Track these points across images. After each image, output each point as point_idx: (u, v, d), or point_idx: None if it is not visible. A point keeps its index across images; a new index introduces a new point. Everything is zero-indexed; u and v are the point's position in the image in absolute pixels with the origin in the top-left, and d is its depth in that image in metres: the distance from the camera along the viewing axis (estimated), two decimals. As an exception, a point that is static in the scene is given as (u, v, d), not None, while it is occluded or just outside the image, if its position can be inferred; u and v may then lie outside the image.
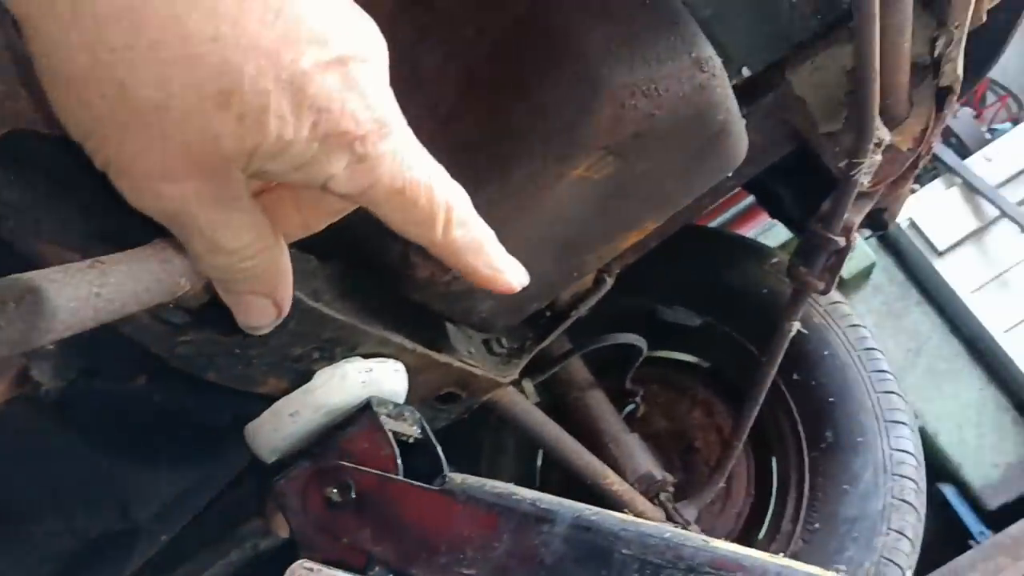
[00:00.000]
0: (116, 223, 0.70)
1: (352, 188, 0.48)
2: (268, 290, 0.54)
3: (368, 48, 0.48)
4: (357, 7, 0.49)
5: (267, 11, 0.43)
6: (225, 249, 0.50)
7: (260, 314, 0.55)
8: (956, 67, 1.27)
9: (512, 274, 0.59)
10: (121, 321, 0.73)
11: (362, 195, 0.49)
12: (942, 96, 1.31)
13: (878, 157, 1.28)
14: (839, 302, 1.68)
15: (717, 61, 0.84)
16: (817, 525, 1.54)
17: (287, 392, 0.86)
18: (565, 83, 0.80)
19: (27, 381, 0.72)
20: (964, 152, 3.30)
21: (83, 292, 0.54)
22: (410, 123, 0.84)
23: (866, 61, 1.11)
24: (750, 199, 3.33)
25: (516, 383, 1.50)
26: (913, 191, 3.32)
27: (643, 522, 0.79)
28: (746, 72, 1.37)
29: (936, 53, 1.29)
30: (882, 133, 1.25)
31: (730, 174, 1.05)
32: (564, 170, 0.83)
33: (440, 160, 0.85)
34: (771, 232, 3.24)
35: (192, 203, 0.46)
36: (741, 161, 0.98)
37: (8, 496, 0.98)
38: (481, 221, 0.56)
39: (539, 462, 1.87)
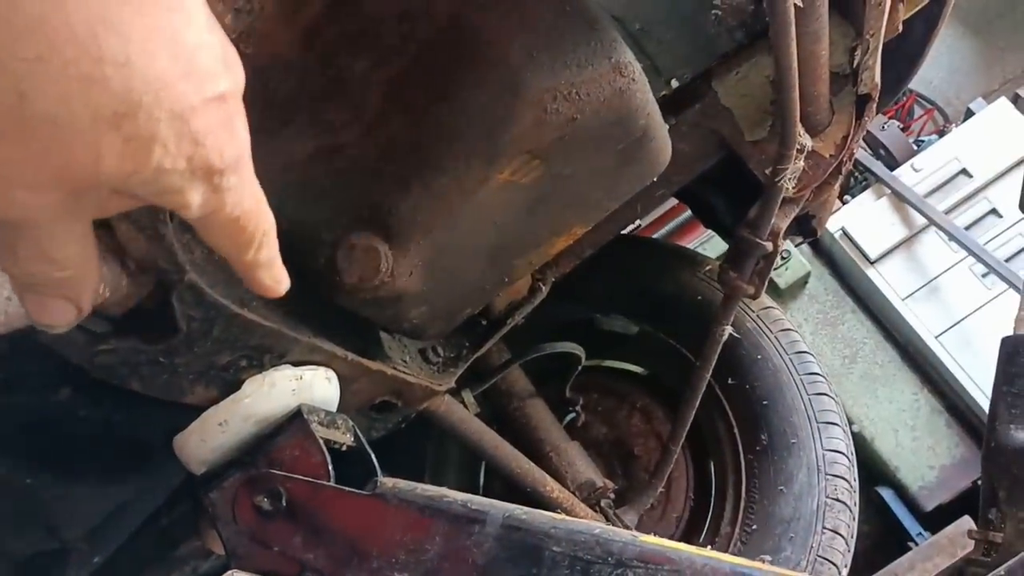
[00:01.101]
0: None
1: (200, 214, 0.49)
2: (74, 296, 0.53)
3: (240, 82, 0.49)
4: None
5: (173, 42, 0.44)
6: (48, 259, 0.48)
7: (60, 315, 0.53)
8: (874, 75, 1.32)
9: (284, 285, 0.61)
10: (38, 329, 0.72)
11: (202, 220, 0.50)
12: (862, 104, 1.36)
13: (801, 163, 1.32)
14: (771, 307, 1.71)
15: (637, 66, 0.86)
16: (755, 526, 1.57)
17: (216, 402, 0.85)
18: (488, 88, 0.82)
19: (-59, 393, 0.70)
20: (893, 163, 3.39)
21: (-6, 296, 0.53)
22: (335, 128, 0.85)
23: (785, 69, 1.14)
24: (690, 212, 3.39)
25: (455, 393, 1.51)
26: (845, 202, 3.40)
27: (573, 520, 0.80)
28: (674, 84, 1.41)
29: (855, 63, 1.34)
30: (804, 140, 1.29)
31: (656, 180, 1.07)
32: (489, 174, 0.84)
33: (366, 164, 0.86)
34: (711, 243, 3.30)
35: (43, 214, 0.45)
36: (665, 166, 1.00)
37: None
38: (276, 240, 0.58)
39: (482, 473, 1.87)
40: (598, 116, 0.84)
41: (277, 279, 0.60)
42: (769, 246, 1.37)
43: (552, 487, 1.47)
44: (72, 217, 0.47)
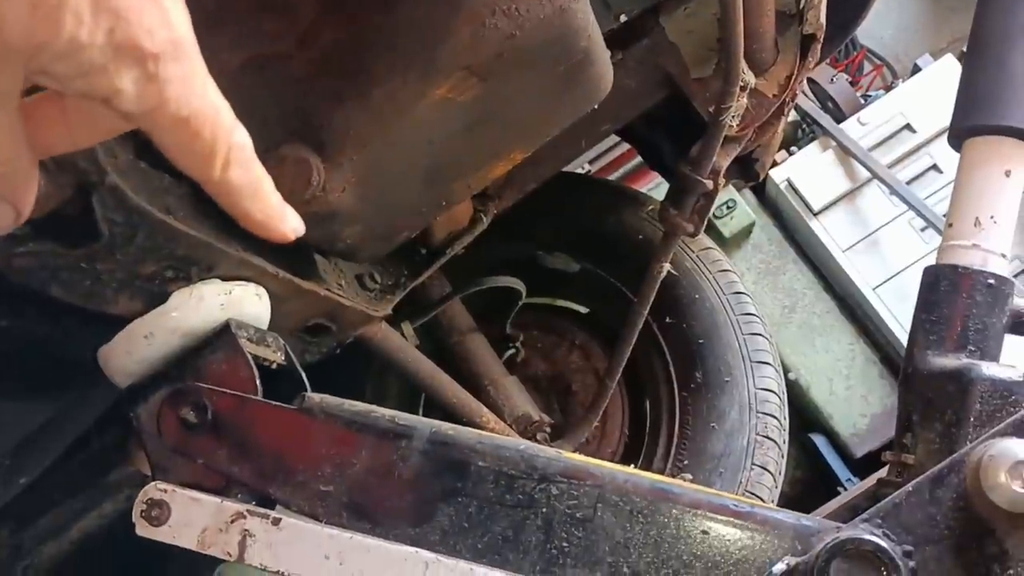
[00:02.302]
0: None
1: (137, 107, 0.45)
2: (9, 196, 0.50)
3: None
4: None
5: None
6: None
7: None
8: (819, 15, 1.32)
9: (286, 222, 0.58)
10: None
11: (145, 116, 0.47)
12: (807, 44, 1.36)
13: (744, 101, 1.32)
14: (710, 248, 1.73)
15: (579, -14, 0.85)
16: (686, 462, 1.60)
17: (141, 314, 0.83)
18: (426, 1, 0.80)
19: None
20: (840, 117, 3.42)
21: None
22: (267, 39, 0.83)
23: (730, 5, 1.14)
24: (639, 160, 3.39)
25: (395, 325, 1.51)
26: (791, 153, 3.43)
27: (499, 437, 0.80)
28: (623, 18, 1.40)
29: (801, 3, 1.34)
30: (748, 77, 1.29)
31: (601, 113, 1.07)
32: (426, 89, 0.83)
33: (299, 76, 0.84)
34: (660, 190, 3.31)
35: None
36: (606, 93, 1.00)
37: None
38: (260, 165, 0.54)
39: (421, 408, 1.88)
40: (537, 34, 0.83)
41: (270, 213, 0.57)
42: (710, 184, 1.37)
43: (488, 418, 1.48)
44: None
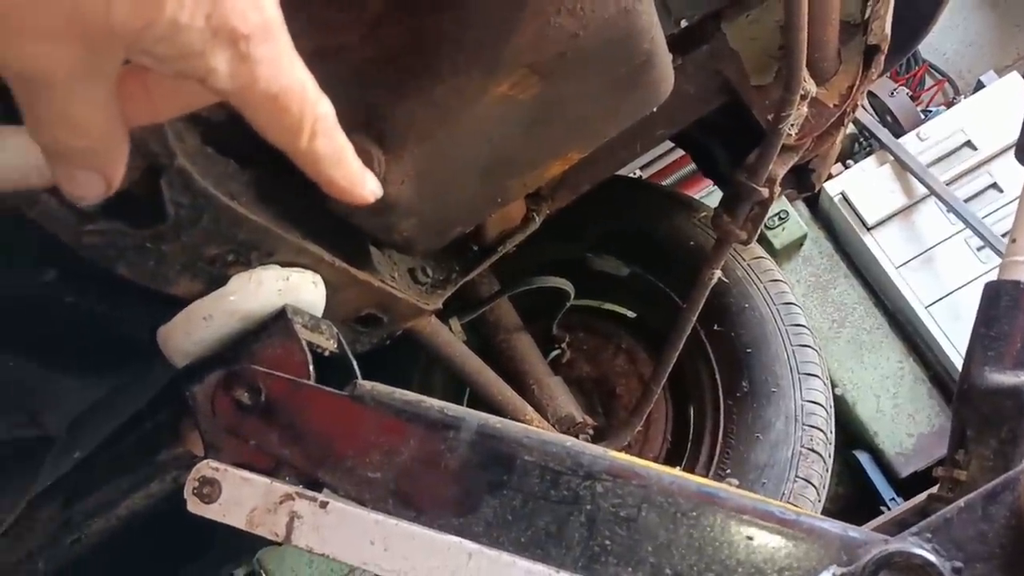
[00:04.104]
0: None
1: (229, 86, 0.48)
2: (101, 167, 0.52)
3: None
4: None
5: None
6: (71, 123, 0.48)
7: (87, 187, 0.53)
8: (884, 26, 1.31)
9: (367, 186, 0.60)
10: (28, 205, 0.72)
11: (237, 94, 0.49)
12: (870, 54, 1.35)
13: (804, 110, 1.31)
14: (762, 257, 1.72)
15: (645, -12, 0.85)
16: (729, 471, 1.59)
17: (201, 295, 0.85)
18: (492, -3, 0.81)
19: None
20: (899, 131, 3.37)
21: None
22: (334, 31, 0.84)
23: (795, 12, 1.13)
24: (693, 166, 3.38)
25: (443, 321, 1.52)
26: (847, 167, 3.39)
27: (545, 432, 0.81)
28: (683, 23, 1.40)
29: (866, 12, 1.33)
30: (809, 86, 1.28)
31: (657, 118, 1.07)
32: (488, 86, 0.84)
33: (364, 67, 0.86)
34: (712, 199, 3.29)
35: (58, 69, 0.44)
36: (666, 96, 1.00)
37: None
38: (342, 133, 0.56)
39: (465, 404, 1.89)
40: (601, 34, 0.83)
41: (353, 180, 0.59)
42: (765, 192, 1.36)
43: (532, 417, 1.49)
44: (90, 77, 0.46)
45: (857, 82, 1.34)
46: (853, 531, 0.70)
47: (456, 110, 0.85)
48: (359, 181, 0.59)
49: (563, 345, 1.80)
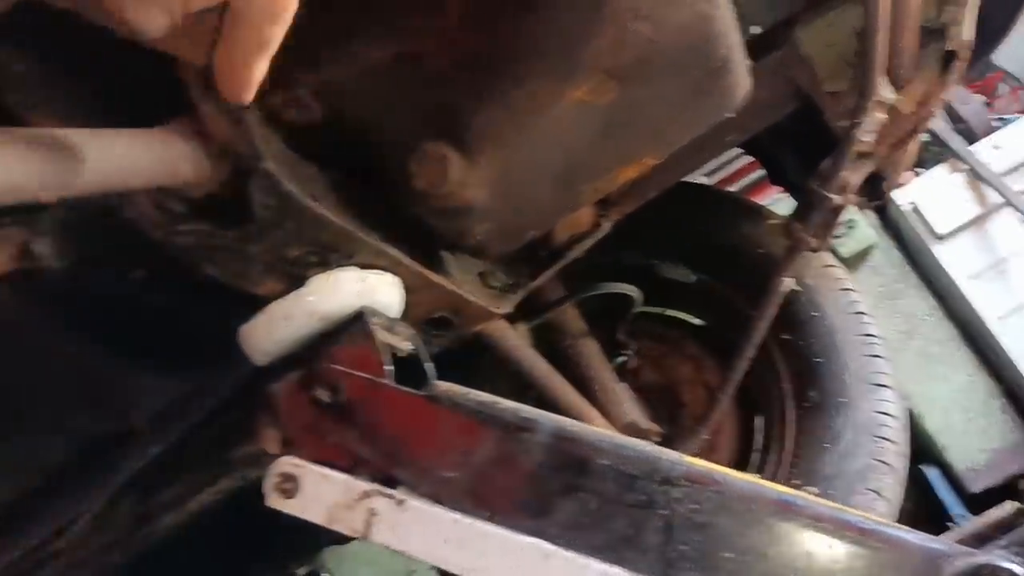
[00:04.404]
0: (123, 106, 0.72)
1: None
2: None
3: None
4: None
5: None
6: None
7: (153, 18, 0.55)
8: (963, 31, 1.28)
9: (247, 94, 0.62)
10: (123, 205, 0.75)
11: None
12: (948, 60, 1.32)
13: (879, 117, 1.29)
14: (832, 266, 1.69)
15: (723, -7, 0.85)
16: (797, 481, 1.57)
17: (282, 295, 0.88)
18: (570, 3, 0.82)
19: (27, 256, 0.74)
20: (971, 139, 3.29)
21: (91, 155, 0.55)
22: (413, 37, 0.86)
23: (874, 17, 1.12)
24: (761, 172, 3.34)
25: (510, 325, 1.53)
26: (917, 175, 3.32)
27: (621, 436, 0.81)
28: (755, 29, 1.39)
29: (944, 18, 1.30)
30: (885, 92, 1.26)
31: (728, 123, 1.06)
32: (565, 91, 0.85)
33: (443, 72, 0.87)
34: (779, 205, 3.25)
35: None
36: (742, 101, 0.99)
37: (7, 388, 1.01)
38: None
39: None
40: (678, 40, 0.84)
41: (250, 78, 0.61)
42: (838, 200, 1.35)
43: (598, 423, 1.49)
44: None
45: (935, 89, 1.32)
46: (936, 543, 0.69)
47: (532, 115, 0.86)
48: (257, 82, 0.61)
49: (629, 352, 1.79)
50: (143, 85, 0.71)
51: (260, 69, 0.61)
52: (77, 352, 0.96)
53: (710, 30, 0.85)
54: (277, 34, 0.58)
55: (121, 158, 0.58)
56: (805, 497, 0.75)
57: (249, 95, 0.62)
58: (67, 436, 1.14)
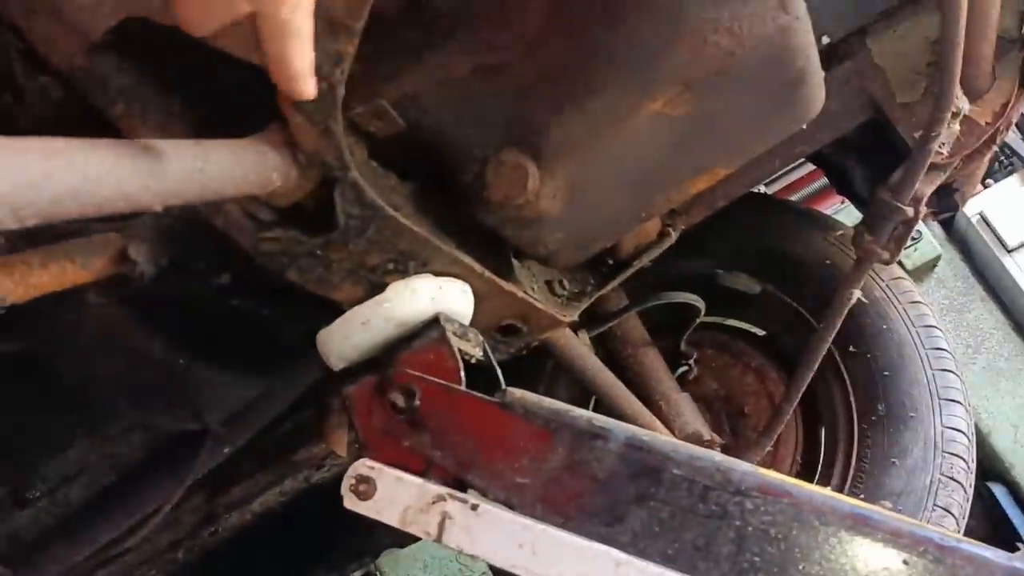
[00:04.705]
0: (218, 119, 0.74)
1: None
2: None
3: None
4: None
5: None
6: None
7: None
8: (1043, 41, 1.26)
9: (310, 85, 0.61)
10: (214, 213, 0.78)
11: None
12: (1026, 71, 1.30)
13: (955, 128, 1.27)
14: (901, 278, 1.67)
15: (802, 5, 0.85)
16: (862, 496, 1.55)
17: (360, 301, 0.90)
18: (650, 16, 0.82)
19: (125, 260, 0.76)
20: (1044, 149, 3.22)
21: (189, 164, 0.58)
22: (494, 49, 0.87)
23: (951, 26, 1.10)
24: (822, 182, 3.30)
25: (573, 332, 1.53)
26: (987, 186, 3.25)
27: (694, 446, 0.81)
28: (825, 40, 1.38)
29: (1023, 28, 1.28)
30: (961, 103, 1.24)
31: (799, 134, 1.06)
32: (642, 103, 0.85)
33: (522, 84, 0.88)
34: (843, 214, 3.21)
35: None
36: (816, 113, 0.99)
37: (90, 385, 1.04)
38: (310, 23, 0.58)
39: (589, 417, 1.89)
40: (757, 53, 0.84)
41: (304, 69, 0.60)
42: (910, 212, 1.33)
43: (660, 431, 1.49)
44: None
45: (1012, 99, 1.30)
46: (1020, 561, 0.68)
47: (609, 126, 0.87)
48: (308, 73, 0.60)
49: (691, 361, 1.79)
50: (236, 97, 0.73)
51: (299, 58, 0.59)
52: (161, 353, 0.99)
53: (789, 42, 0.85)
54: (297, 19, 0.57)
55: (216, 168, 0.60)
56: (881, 512, 0.75)
57: (304, 87, 0.62)
58: (146, 435, 1.17)
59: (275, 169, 0.71)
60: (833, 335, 1.45)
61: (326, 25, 0.66)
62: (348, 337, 0.90)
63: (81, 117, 0.95)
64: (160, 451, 1.20)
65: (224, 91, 0.70)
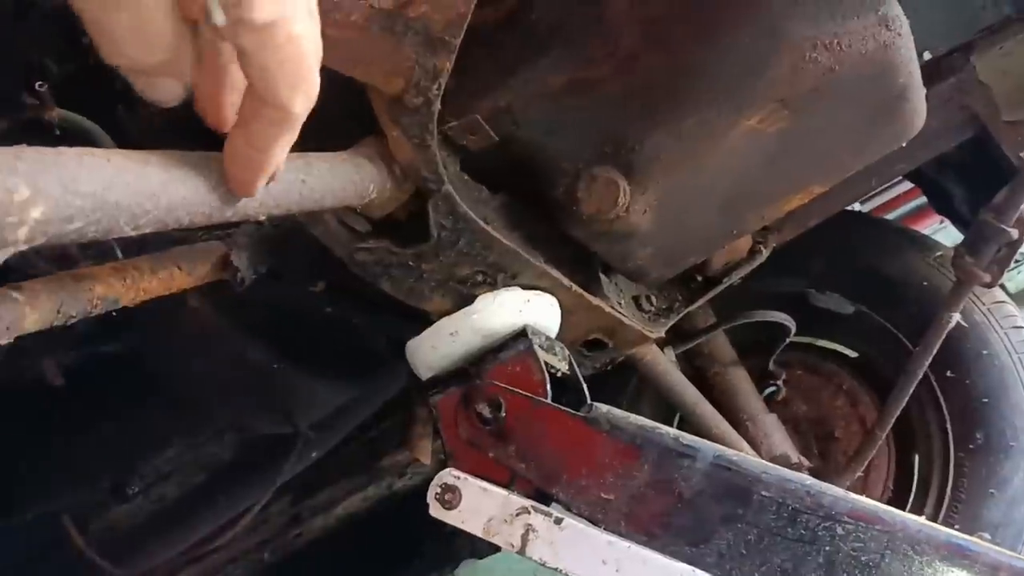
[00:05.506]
0: (313, 130, 0.77)
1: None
2: (177, 73, 0.51)
3: None
4: None
5: None
6: (144, 39, 0.47)
7: (166, 92, 0.52)
8: None
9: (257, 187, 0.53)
10: (312, 223, 0.80)
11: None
12: None
13: (1064, 147, 1.23)
14: (1003, 302, 1.61)
15: (905, 21, 0.84)
16: (957, 527, 1.49)
17: (449, 313, 0.91)
18: (747, 33, 0.82)
19: (227, 267, 0.79)
20: None
21: (292, 176, 0.59)
22: (588, 64, 0.88)
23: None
24: (919, 200, 3.21)
25: (659, 348, 1.52)
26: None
27: (783, 469, 0.80)
28: (928, 55, 1.35)
29: None
30: (1071, 122, 1.20)
31: (898, 150, 1.04)
32: (737, 120, 0.85)
33: (616, 100, 0.89)
34: (941, 234, 3.10)
35: None
36: (917, 131, 0.97)
37: (188, 387, 1.08)
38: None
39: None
40: (857, 70, 0.82)
41: (261, 168, 0.52)
42: (1014, 233, 1.28)
43: (747, 452, 1.46)
44: None
45: None
46: None
47: (703, 142, 0.87)
48: (265, 175, 0.53)
49: (779, 382, 1.75)
50: (333, 111, 0.75)
51: (280, 154, 0.53)
52: (256, 358, 1.03)
53: (890, 59, 0.83)
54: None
55: (317, 180, 0.62)
56: (978, 543, 0.72)
57: (252, 190, 0.55)
58: (238, 436, 1.21)
59: (372, 181, 0.72)
60: (930, 359, 1.40)
61: (425, 41, 0.68)
62: (437, 347, 0.91)
63: (189, 128, 0.99)
64: (251, 453, 1.23)
65: (321, 106, 0.72)
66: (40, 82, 0.90)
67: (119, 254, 0.82)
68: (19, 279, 0.60)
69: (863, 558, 0.73)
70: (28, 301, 0.56)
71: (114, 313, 0.65)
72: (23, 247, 0.37)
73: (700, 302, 1.27)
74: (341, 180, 0.68)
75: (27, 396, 1.03)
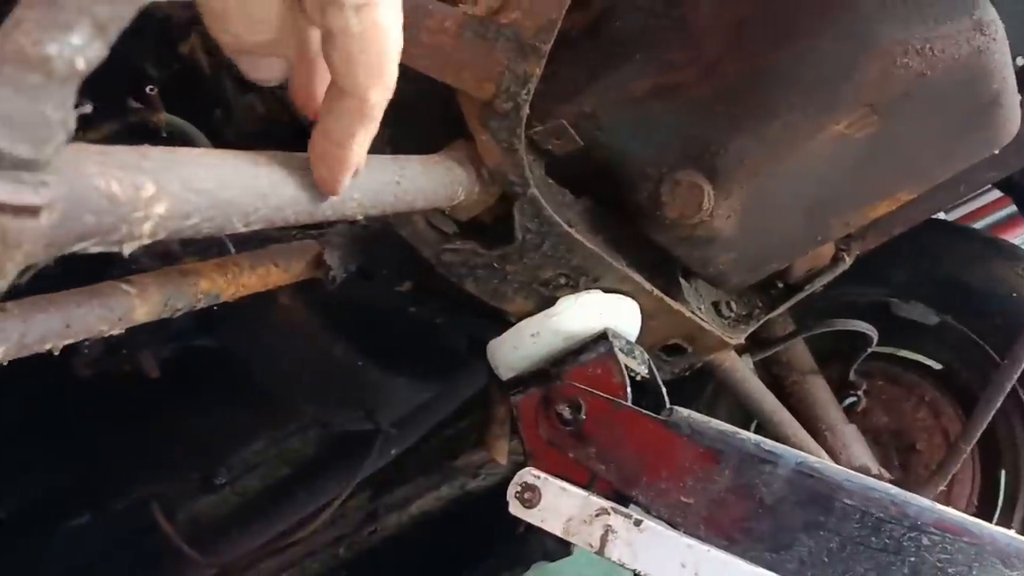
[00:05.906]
0: (403, 134, 0.79)
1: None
2: (281, 52, 0.53)
3: None
4: None
5: None
6: (251, 20, 0.50)
7: (270, 70, 0.54)
8: None
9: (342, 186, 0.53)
10: (402, 224, 0.82)
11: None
12: None
13: None
14: (1098, 314, 1.56)
15: (1000, 25, 0.82)
16: (1046, 546, 1.44)
17: (530, 314, 0.92)
18: (835, 36, 0.81)
19: (320, 265, 0.82)
20: None
21: (388, 177, 0.61)
22: (674, 67, 0.88)
23: None
24: (1010, 209, 3.11)
25: (738, 354, 1.51)
26: None
27: (867, 477, 0.79)
28: (1021, 61, 1.31)
29: None
30: None
31: (991, 157, 1.02)
32: (824, 124, 0.84)
33: (700, 105, 0.89)
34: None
35: None
36: (1010, 139, 0.95)
37: (275, 382, 1.11)
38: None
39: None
40: (950, 75, 0.81)
41: (345, 166, 0.52)
42: (1111, 244, 1.24)
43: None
44: None
45: None
46: None
47: (789, 147, 0.86)
48: (347, 171, 0.53)
49: (860, 392, 1.72)
50: (423, 116, 0.78)
51: (361, 150, 0.54)
52: (341, 355, 1.05)
53: (984, 64, 0.82)
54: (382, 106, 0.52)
55: (410, 181, 0.64)
56: (1073, 560, 0.70)
57: (337, 187, 0.55)
58: (321, 432, 1.24)
59: (460, 184, 0.74)
60: (1018, 373, 1.37)
61: (516, 47, 0.69)
62: (518, 348, 0.93)
63: (281, 130, 1.02)
64: (333, 448, 1.26)
65: (411, 112, 0.74)
66: (151, 87, 0.95)
67: (232, 249, 0.85)
68: (122, 273, 0.63)
69: (950, 570, 0.72)
70: (139, 294, 0.59)
71: (215, 308, 0.68)
72: (147, 241, 0.39)
73: (781, 309, 1.26)
74: (432, 182, 0.70)
75: (124, 388, 1.07)
